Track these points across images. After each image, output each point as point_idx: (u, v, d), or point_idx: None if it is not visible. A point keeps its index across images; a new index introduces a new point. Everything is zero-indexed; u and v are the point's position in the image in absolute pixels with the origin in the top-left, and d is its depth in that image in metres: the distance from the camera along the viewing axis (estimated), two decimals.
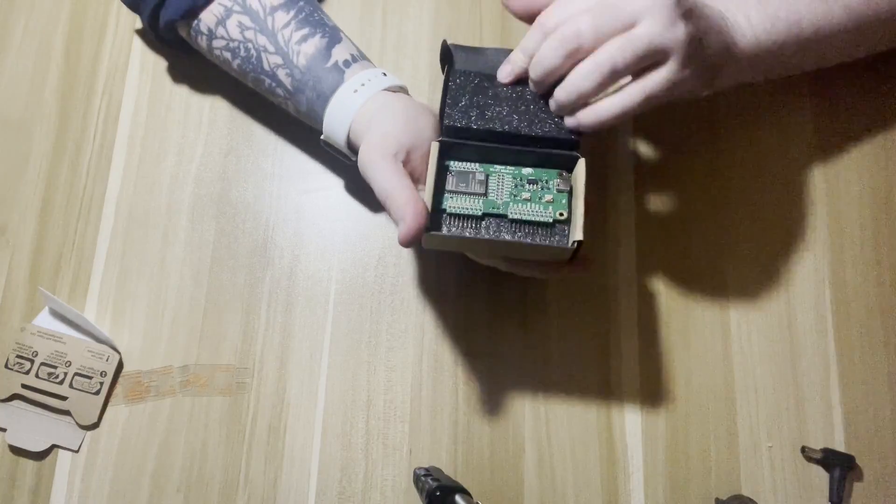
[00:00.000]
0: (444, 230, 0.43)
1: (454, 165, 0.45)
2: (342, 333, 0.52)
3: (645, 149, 0.56)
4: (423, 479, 0.45)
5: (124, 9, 0.59)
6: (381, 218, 0.55)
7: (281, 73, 0.49)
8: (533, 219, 0.43)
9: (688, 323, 0.53)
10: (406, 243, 0.40)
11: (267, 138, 0.57)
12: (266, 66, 0.49)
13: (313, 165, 0.56)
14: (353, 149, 0.47)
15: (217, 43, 0.50)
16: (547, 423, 0.51)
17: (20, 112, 0.57)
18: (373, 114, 0.45)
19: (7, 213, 0.55)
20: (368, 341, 0.52)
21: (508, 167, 0.45)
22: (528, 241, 0.43)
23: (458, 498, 0.42)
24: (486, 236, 0.43)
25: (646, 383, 0.52)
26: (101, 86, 0.58)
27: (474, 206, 0.43)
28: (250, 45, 0.49)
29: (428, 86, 0.58)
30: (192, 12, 0.50)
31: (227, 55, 0.50)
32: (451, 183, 0.44)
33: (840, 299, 0.53)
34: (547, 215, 0.43)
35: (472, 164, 0.45)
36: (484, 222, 0.44)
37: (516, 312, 0.53)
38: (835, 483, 0.49)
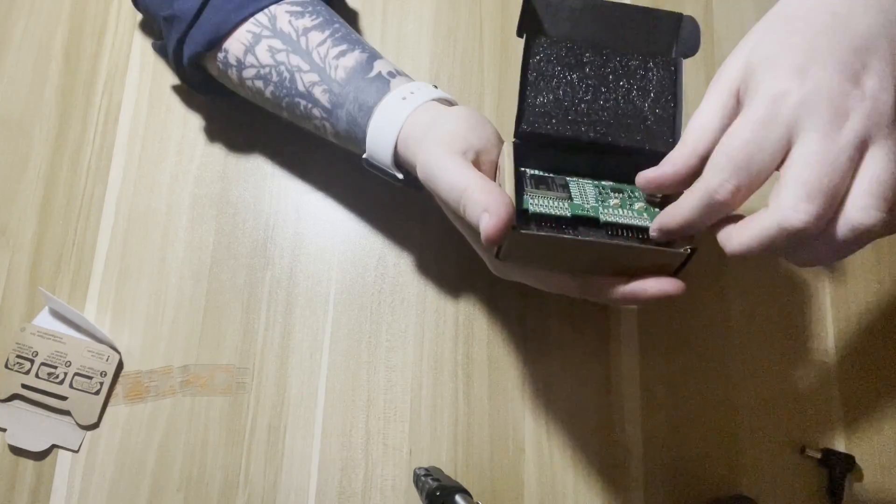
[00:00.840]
0: (535, 229, 0.36)
1: (529, 171, 0.39)
2: (342, 333, 0.52)
3: None
4: (423, 479, 0.45)
5: (124, 9, 0.59)
6: (381, 217, 0.55)
7: (317, 91, 0.45)
8: (630, 222, 0.36)
9: (688, 323, 0.53)
10: (494, 237, 0.33)
11: (267, 138, 0.57)
12: (301, 87, 0.45)
13: (313, 165, 0.56)
14: (401, 164, 0.43)
15: (247, 73, 0.47)
16: (547, 423, 0.51)
17: (20, 112, 0.57)
18: (429, 121, 0.40)
19: (7, 213, 0.55)
20: (368, 341, 0.52)
21: (587, 178, 0.39)
22: (636, 244, 0.35)
23: (458, 498, 0.42)
24: (585, 237, 0.36)
25: (646, 383, 0.52)
26: (101, 86, 0.58)
27: (561, 206, 0.37)
28: (283, 68, 0.46)
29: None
30: (216, 42, 0.47)
31: (259, 84, 0.47)
32: (530, 184, 0.38)
33: (840, 299, 0.53)
34: (643, 220, 0.36)
35: (547, 172, 0.39)
36: (573, 228, 0.37)
37: (517, 313, 0.53)
38: (835, 483, 0.49)
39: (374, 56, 0.46)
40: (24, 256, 0.54)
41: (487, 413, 0.51)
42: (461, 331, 0.52)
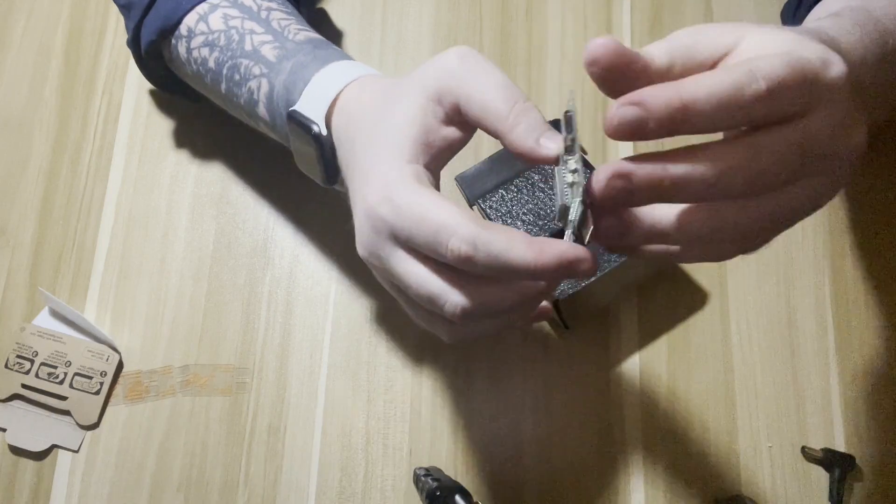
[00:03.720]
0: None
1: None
2: (342, 333, 0.52)
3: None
4: (423, 479, 0.45)
5: None
6: None
7: (266, 49, 0.40)
8: None
9: (688, 323, 0.53)
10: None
11: (267, 137, 0.56)
12: (248, 47, 0.41)
13: None
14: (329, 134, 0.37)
15: (195, 42, 0.43)
16: (547, 422, 0.51)
17: (20, 112, 0.57)
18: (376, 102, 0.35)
19: (7, 213, 0.55)
20: (368, 341, 0.52)
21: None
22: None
23: (457, 498, 0.42)
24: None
25: (646, 383, 0.52)
26: (101, 86, 0.58)
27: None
28: (233, 32, 0.41)
29: None
30: (168, 30, 0.45)
31: (206, 52, 0.43)
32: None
33: (840, 299, 0.53)
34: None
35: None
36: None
37: None
38: (835, 483, 0.49)
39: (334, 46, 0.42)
40: (24, 256, 0.54)
41: (487, 413, 0.51)
42: None
